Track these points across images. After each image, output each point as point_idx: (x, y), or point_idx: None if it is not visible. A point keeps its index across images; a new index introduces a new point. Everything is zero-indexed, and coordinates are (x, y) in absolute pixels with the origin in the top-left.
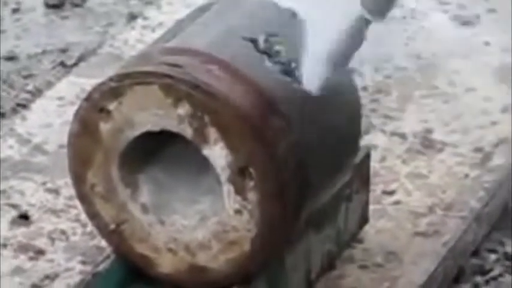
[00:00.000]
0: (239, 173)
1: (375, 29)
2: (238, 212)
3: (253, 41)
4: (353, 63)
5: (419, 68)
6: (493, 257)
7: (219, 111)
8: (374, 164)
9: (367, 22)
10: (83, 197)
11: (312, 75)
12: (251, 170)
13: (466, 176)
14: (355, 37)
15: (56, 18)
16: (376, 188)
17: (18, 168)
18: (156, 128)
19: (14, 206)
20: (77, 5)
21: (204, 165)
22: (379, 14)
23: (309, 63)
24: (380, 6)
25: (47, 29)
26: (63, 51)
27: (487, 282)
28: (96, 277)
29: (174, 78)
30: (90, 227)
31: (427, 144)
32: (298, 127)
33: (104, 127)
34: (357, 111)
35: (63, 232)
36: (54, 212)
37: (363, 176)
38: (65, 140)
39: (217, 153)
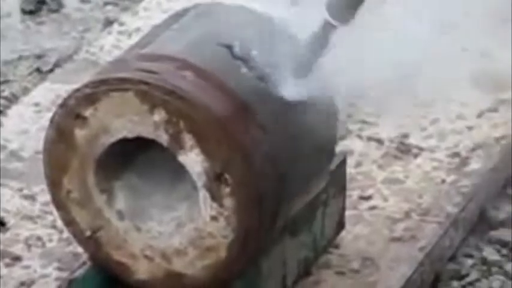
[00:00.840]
0: (215, 180)
1: (352, 36)
2: (214, 218)
3: (229, 47)
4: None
5: (396, 73)
6: (469, 262)
7: (195, 118)
8: (350, 170)
9: (332, 28)
10: (59, 203)
11: (283, 81)
12: (227, 176)
13: (443, 181)
14: (321, 42)
15: (32, 24)
16: (353, 194)
17: None
18: (132, 135)
19: None
20: (53, 11)
21: (180, 172)
22: (344, 19)
23: (280, 69)
24: (345, 12)
25: (23, 34)
26: (39, 57)
27: (463, 287)
28: (72, 284)
29: (150, 85)
30: (66, 234)
31: (404, 149)
32: (274, 132)
33: (80, 133)
34: (333, 116)
35: (39, 238)
36: (31, 218)
37: (339, 181)
38: (41, 146)
39: (193, 160)
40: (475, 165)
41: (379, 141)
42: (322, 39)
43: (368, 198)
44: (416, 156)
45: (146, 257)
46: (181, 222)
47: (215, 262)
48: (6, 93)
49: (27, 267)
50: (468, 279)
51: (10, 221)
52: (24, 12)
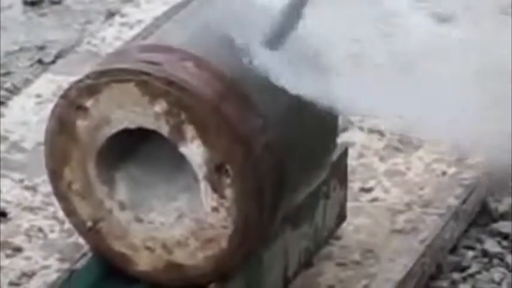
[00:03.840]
0: (216, 170)
1: (351, 28)
2: (215, 209)
3: (230, 38)
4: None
5: (397, 66)
6: (470, 254)
7: (195, 108)
8: (352, 161)
9: (303, 1)
10: (60, 194)
11: (256, 56)
12: (228, 167)
13: (444, 173)
14: (292, 15)
15: (34, 16)
16: (354, 185)
17: None
18: (133, 125)
19: None
20: (55, 3)
21: (181, 163)
22: None
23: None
24: None
25: (24, 26)
26: (41, 48)
27: (464, 279)
28: (73, 275)
29: (151, 76)
30: (67, 225)
31: (405, 141)
32: (275, 124)
33: (81, 124)
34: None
35: (40, 229)
36: (32, 209)
37: (340, 173)
38: (42, 137)
39: (194, 151)
40: (476, 157)
41: (381, 133)
42: (295, 11)
43: (369, 190)
44: (417, 148)
45: (147, 248)
46: (182, 213)
47: (216, 253)
48: (7, 85)
49: (28, 258)
50: (469, 271)
51: (11, 212)
52: (26, 3)
